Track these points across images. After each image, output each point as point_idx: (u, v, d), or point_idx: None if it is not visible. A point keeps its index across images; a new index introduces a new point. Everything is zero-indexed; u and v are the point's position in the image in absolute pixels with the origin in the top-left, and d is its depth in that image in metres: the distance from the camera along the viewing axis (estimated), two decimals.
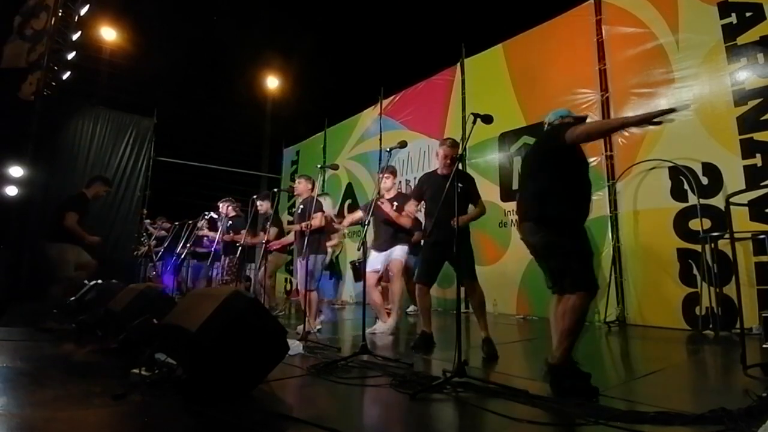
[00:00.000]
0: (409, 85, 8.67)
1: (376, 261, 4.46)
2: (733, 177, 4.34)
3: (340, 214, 9.51)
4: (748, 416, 1.63)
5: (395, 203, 4.38)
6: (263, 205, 5.53)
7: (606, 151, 5.42)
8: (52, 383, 2.25)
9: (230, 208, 6.17)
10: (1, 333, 3.77)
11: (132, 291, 3.44)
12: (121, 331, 2.80)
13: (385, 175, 4.53)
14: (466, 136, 2.78)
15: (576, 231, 2.33)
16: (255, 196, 5.15)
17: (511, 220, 5.75)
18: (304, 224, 4.19)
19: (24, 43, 7.69)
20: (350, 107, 10.03)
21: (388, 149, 3.42)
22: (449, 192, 2.65)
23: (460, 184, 2.89)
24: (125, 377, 2.26)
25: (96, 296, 4.16)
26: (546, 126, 2.68)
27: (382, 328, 4.25)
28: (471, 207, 3.53)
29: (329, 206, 4.72)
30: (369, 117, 9.51)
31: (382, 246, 4.51)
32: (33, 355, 2.98)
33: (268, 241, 4.94)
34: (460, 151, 3.43)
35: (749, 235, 4.01)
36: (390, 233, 4.47)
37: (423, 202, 3.73)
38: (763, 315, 3.20)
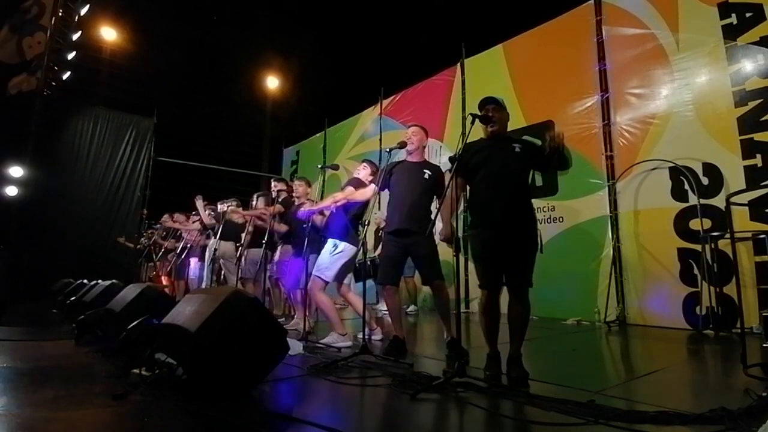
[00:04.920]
0: (409, 85, 8.66)
1: None
2: (734, 177, 4.34)
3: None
4: (748, 416, 1.63)
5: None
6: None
7: (606, 151, 5.41)
8: (52, 383, 2.24)
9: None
10: (1, 333, 3.77)
11: (132, 291, 3.44)
12: (121, 331, 2.79)
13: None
14: (466, 137, 2.77)
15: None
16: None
17: None
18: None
19: (13, 35, 7.60)
20: (350, 107, 10.04)
21: (387, 149, 3.41)
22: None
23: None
24: (125, 377, 2.26)
25: (96, 296, 4.17)
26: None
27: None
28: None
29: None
30: (369, 117, 9.50)
31: None
32: (33, 355, 2.98)
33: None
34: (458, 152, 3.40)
35: (749, 235, 4.01)
36: None
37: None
38: (764, 314, 3.19)
